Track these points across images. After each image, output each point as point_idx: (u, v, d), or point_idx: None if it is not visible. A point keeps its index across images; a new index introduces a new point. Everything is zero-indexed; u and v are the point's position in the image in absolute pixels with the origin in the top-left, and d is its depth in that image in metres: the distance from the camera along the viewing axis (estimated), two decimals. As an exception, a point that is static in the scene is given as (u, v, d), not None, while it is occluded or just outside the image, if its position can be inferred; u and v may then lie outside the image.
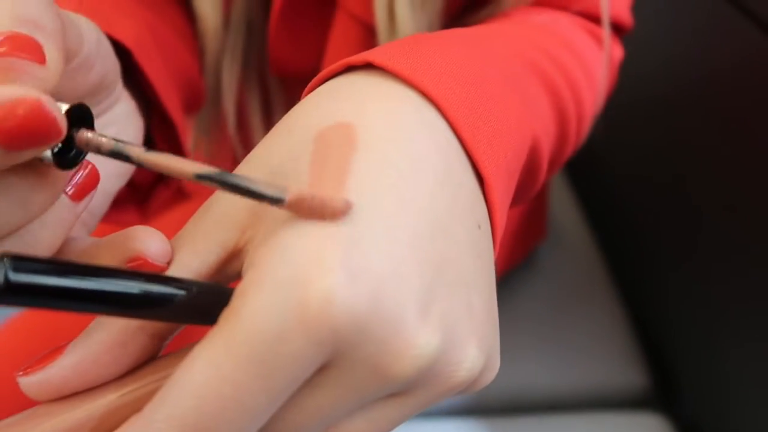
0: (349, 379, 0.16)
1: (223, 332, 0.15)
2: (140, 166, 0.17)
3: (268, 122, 0.44)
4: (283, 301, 0.15)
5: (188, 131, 0.38)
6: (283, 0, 0.37)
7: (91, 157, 0.18)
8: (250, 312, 0.15)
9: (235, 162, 0.46)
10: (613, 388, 0.56)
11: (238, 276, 0.19)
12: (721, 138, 0.51)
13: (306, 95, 0.22)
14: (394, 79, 0.20)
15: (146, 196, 0.32)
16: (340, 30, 0.39)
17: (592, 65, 0.35)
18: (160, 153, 0.17)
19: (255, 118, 0.44)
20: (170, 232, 0.19)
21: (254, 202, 0.18)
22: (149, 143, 0.30)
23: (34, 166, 0.17)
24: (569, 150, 0.33)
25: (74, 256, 0.20)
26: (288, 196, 0.16)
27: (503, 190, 0.22)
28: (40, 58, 0.16)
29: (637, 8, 0.41)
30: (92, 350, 0.17)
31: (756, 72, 0.47)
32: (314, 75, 0.22)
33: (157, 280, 0.16)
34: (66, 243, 0.20)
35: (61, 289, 0.15)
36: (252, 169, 0.19)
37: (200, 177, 0.16)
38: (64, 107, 0.17)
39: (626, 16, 0.40)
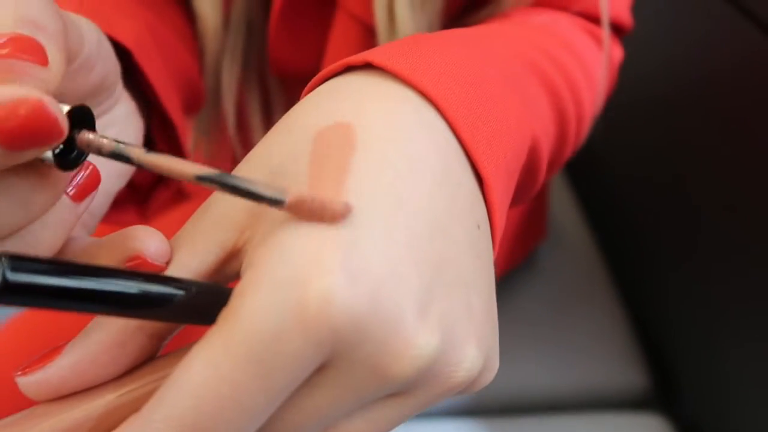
0: (348, 380, 0.16)
1: (222, 332, 0.15)
2: (141, 168, 0.17)
3: (268, 122, 0.44)
4: (282, 301, 0.15)
5: (188, 132, 0.38)
6: (283, 0, 0.37)
7: (91, 157, 0.18)
8: (249, 312, 0.15)
9: (235, 162, 0.47)
10: (613, 389, 0.56)
11: (236, 276, 0.19)
12: (721, 138, 0.51)
13: (305, 95, 0.22)
14: (394, 79, 0.20)
15: (146, 196, 0.32)
16: (340, 30, 0.39)
17: (591, 66, 0.35)
18: (161, 154, 0.17)
19: (255, 119, 0.44)
20: (170, 233, 0.19)
21: (253, 203, 0.18)
22: (149, 144, 0.31)
23: (36, 166, 0.17)
24: (569, 150, 0.33)
25: (74, 255, 0.20)
26: (288, 198, 0.16)
27: (503, 190, 0.22)
28: (42, 60, 0.16)
29: (637, 8, 0.41)
30: (90, 350, 0.17)
31: (756, 72, 0.47)
32: (314, 75, 0.22)
33: (156, 280, 0.16)
34: (65, 243, 0.20)
35: (59, 289, 0.15)
36: (252, 168, 0.19)
37: (200, 178, 0.16)
38: (66, 108, 0.17)
39: (626, 17, 0.40)
